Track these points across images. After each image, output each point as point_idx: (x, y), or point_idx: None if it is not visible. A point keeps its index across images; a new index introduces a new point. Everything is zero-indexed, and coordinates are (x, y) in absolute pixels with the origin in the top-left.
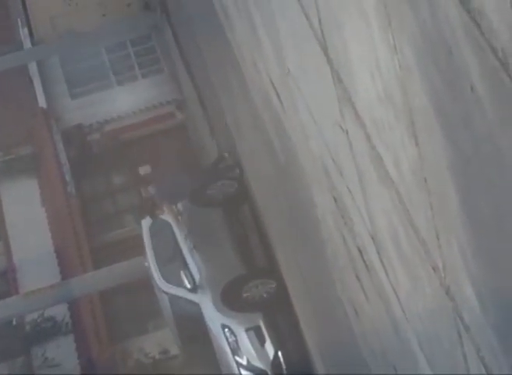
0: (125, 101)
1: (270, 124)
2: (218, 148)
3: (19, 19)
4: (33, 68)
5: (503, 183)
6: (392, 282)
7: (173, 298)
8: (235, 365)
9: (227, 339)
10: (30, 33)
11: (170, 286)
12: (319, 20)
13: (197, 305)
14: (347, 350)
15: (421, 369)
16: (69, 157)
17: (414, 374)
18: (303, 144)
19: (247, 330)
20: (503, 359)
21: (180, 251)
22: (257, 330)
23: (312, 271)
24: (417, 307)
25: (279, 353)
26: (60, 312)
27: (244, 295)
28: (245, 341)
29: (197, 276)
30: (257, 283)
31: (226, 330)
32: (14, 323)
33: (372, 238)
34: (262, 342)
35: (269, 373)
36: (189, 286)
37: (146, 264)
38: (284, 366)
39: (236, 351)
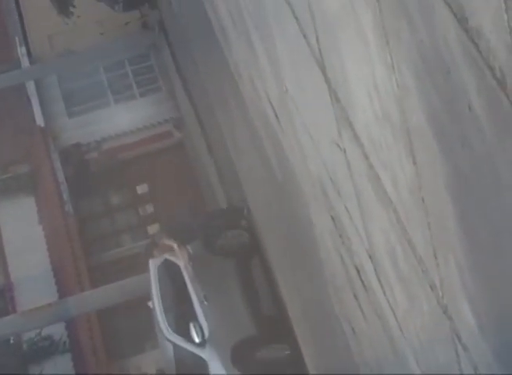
0: (123, 119)
1: (268, 142)
2: (216, 166)
3: (16, 38)
4: (31, 87)
5: (501, 202)
6: (389, 301)
7: (178, 349)
8: None
9: None
10: (28, 52)
11: (176, 336)
12: (317, 39)
13: (203, 361)
14: (345, 368)
15: None
16: (66, 176)
17: None
18: (301, 163)
19: None
20: None
21: (190, 298)
22: None
23: (310, 290)
24: (415, 326)
25: None
26: (57, 330)
27: (257, 358)
28: None
29: (206, 330)
30: (271, 348)
31: None
32: (11, 341)
33: (370, 257)
34: None
35: None
36: (197, 340)
37: (150, 305)
38: None
39: None
